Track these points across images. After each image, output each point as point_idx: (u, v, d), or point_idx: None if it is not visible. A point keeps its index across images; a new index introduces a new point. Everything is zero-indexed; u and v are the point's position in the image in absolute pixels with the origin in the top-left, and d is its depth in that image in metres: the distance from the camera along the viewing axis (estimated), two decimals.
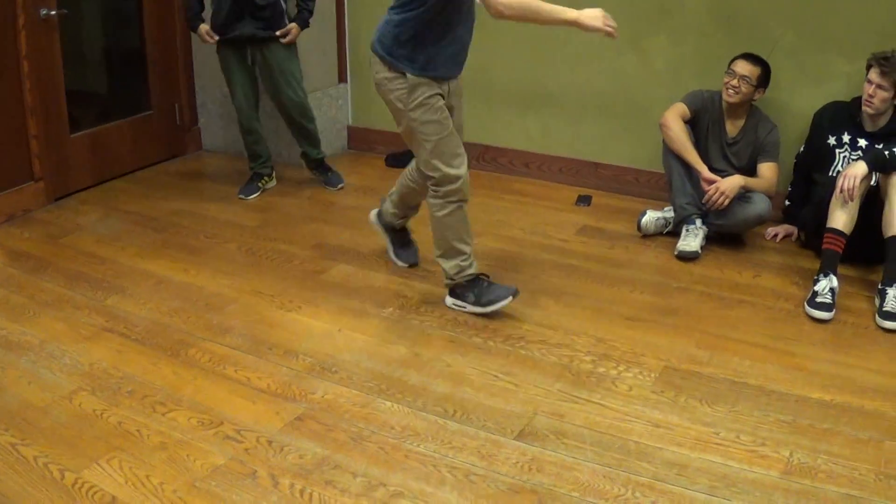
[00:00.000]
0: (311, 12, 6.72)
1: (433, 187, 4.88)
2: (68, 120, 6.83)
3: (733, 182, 5.71)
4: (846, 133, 5.72)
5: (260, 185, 7.04)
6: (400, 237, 5.68)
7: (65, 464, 3.70)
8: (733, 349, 4.62)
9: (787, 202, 6.12)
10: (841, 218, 5.19)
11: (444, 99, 4.79)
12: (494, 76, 7.23)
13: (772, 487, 3.56)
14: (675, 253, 5.75)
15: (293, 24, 6.59)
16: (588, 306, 5.08)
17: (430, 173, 4.84)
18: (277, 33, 6.51)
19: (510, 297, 4.91)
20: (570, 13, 4.52)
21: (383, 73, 4.75)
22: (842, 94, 5.94)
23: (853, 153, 5.66)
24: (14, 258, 5.81)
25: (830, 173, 5.69)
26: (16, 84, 6.34)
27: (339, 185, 7.13)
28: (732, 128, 5.98)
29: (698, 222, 5.84)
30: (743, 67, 5.78)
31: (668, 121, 5.90)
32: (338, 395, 4.21)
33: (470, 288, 4.98)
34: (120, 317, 5.01)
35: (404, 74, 4.67)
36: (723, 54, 6.02)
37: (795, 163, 6.08)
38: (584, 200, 6.72)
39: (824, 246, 5.22)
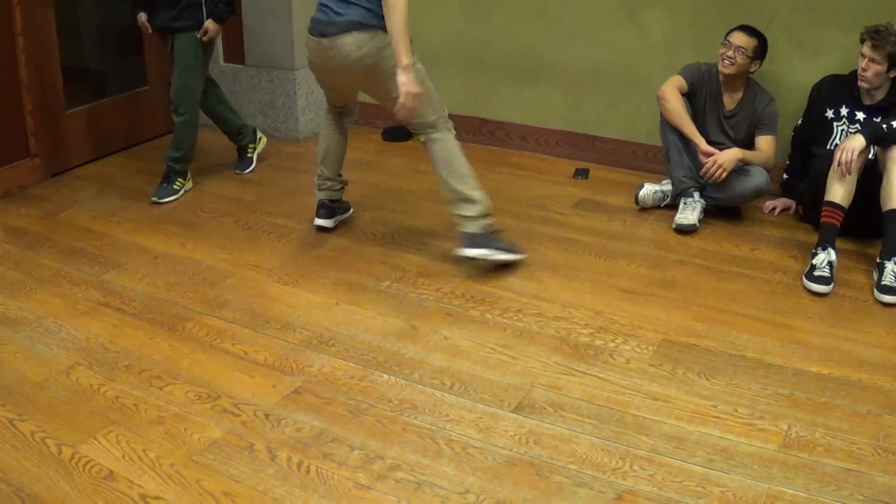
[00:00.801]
0: (229, 6, 6.40)
1: (435, 128, 5.23)
2: (64, 96, 6.80)
3: (731, 155, 5.69)
4: (844, 106, 5.71)
5: (249, 153, 7.04)
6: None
7: (62, 438, 3.71)
8: (731, 322, 4.61)
9: (784, 175, 6.11)
10: (839, 191, 5.18)
11: None
12: (491, 49, 7.21)
13: (770, 461, 3.56)
14: (673, 226, 5.74)
15: (209, 21, 6.27)
16: (586, 279, 5.08)
17: (435, 117, 5.19)
18: (198, 35, 6.25)
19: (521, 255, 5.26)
20: (408, 56, 4.74)
21: (373, 43, 4.90)
22: (839, 67, 5.92)
23: (851, 126, 5.65)
24: (11, 234, 5.81)
25: (828, 146, 5.68)
26: (11, 60, 6.32)
27: (165, 199, 6.46)
28: (730, 100, 5.97)
29: (696, 195, 5.84)
30: (739, 38, 5.76)
31: (666, 93, 5.89)
32: (335, 368, 4.22)
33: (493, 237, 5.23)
34: (117, 292, 5.01)
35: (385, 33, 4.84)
36: (719, 27, 5.99)
37: (793, 136, 6.06)
38: (582, 173, 6.70)
39: (822, 219, 5.21)
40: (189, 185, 6.54)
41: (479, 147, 7.30)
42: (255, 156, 7.00)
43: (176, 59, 6.31)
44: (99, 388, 4.06)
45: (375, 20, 4.80)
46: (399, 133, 7.55)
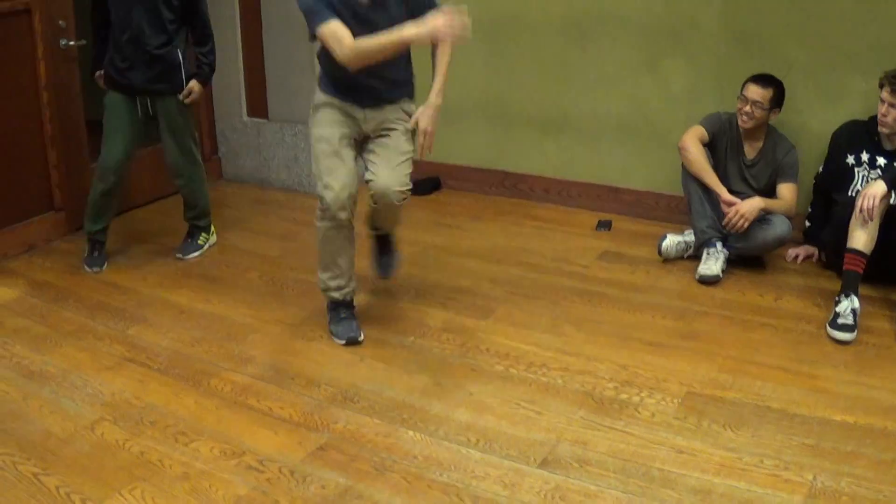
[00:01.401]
0: (212, 67, 6.28)
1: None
2: (88, 150, 6.83)
3: (753, 204, 5.70)
4: (864, 152, 5.71)
5: (200, 241, 6.61)
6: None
7: (87, 494, 3.71)
8: (756, 373, 4.59)
9: (807, 223, 6.11)
10: (861, 238, 5.17)
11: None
12: (514, 102, 7.25)
13: None
14: (697, 277, 5.73)
15: (193, 83, 6.12)
16: (610, 332, 5.07)
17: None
18: (180, 96, 6.08)
19: (342, 342, 5.04)
20: (408, 30, 4.63)
21: None
22: (859, 112, 5.92)
23: (872, 172, 5.65)
24: (36, 288, 5.84)
25: (850, 193, 5.67)
26: (35, 114, 6.38)
27: (190, 255, 6.48)
28: (750, 149, 5.97)
29: (719, 245, 5.83)
30: (754, 92, 5.77)
31: (687, 144, 5.90)
32: (360, 425, 4.21)
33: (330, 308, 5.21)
34: (142, 347, 5.03)
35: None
36: (739, 75, 6.00)
37: (815, 183, 6.06)
38: (605, 225, 6.71)
39: (845, 266, 5.20)
40: (213, 238, 6.57)
41: (502, 200, 7.33)
42: (206, 246, 6.62)
43: (164, 124, 6.15)
44: (124, 444, 4.06)
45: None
46: (423, 186, 7.58)
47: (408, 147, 5.03)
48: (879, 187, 5.13)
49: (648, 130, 6.74)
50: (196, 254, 6.38)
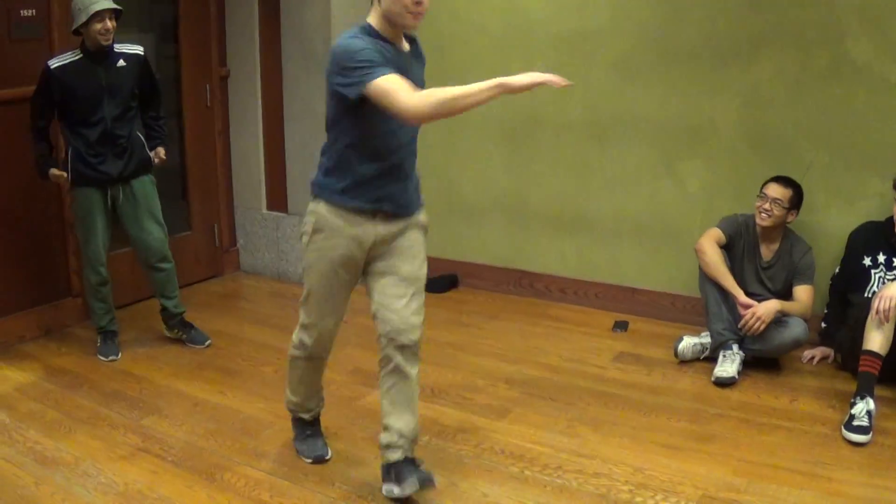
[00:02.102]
0: (163, 127, 6.35)
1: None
2: None
3: (769, 307, 5.70)
4: (881, 253, 5.72)
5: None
6: None
7: None
8: (771, 476, 4.56)
9: (823, 324, 6.10)
10: (877, 339, 5.17)
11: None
12: (531, 200, 7.29)
13: None
14: (713, 379, 5.72)
15: (159, 149, 6.22)
16: (625, 434, 5.04)
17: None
18: (155, 161, 6.19)
19: (309, 461, 4.78)
20: (493, 81, 4.03)
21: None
22: (876, 213, 5.95)
23: (889, 273, 5.66)
24: (51, 373, 5.87)
25: (866, 294, 5.68)
26: (56, 201, 6.47)
27: (207, 343, 6.56)
28: (767, 251, 5.99)
29: (735, 347, 5.82)
30: (775, 190, 5.81)
31: (704, 246, 5.92)
32: None
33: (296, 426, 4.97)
34: (156, 437, 5.03)
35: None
36: (756, 177, 6.05)
37: (831, 284, 6.07)
38: (621, 326, 6.71)
39: (861, 368, 5.19)
40: None
41: (518, 299, 7.36)
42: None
43: (143, 208, 6.13)
44: None
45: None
46: (440, 283, 7.60)
47: (425, 271, 4.59)
48: (895, 289, 5.14)
49: (665, 231, 6.76)
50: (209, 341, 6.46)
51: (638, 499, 4.36)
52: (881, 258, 5.74)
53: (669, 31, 6.49)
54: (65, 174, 5.93)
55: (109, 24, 5.72)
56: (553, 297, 7.35)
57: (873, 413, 5.04)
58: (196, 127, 7.70)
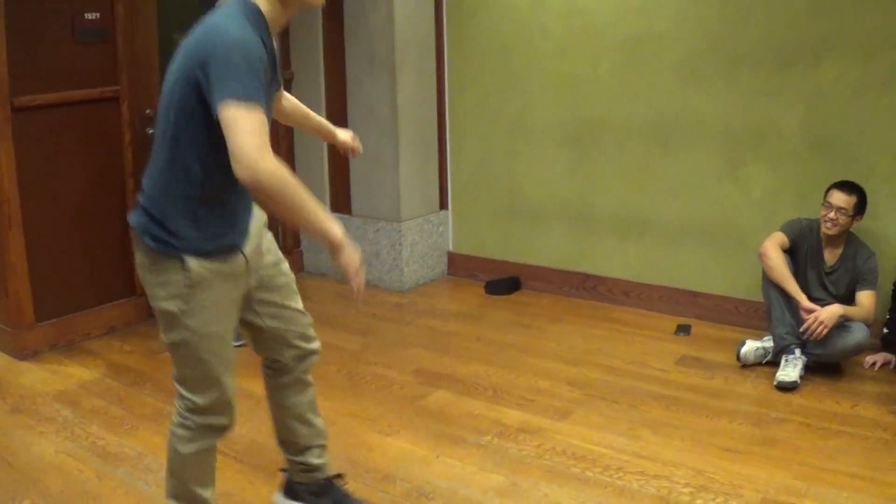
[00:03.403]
0: None
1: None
2: None
3: (832, 311, 5.68)
4: None
5: None
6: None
7: None
8: (831, 480, 4.54)
9: (885, 330, 6.07)
10: None
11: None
12: (595, 204, 7.31)
13: None
14: (775, 383, 5.70)
15: None
16: (687, 437, 5.04)
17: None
18: None
19: None
20: (335, 230, 3.47)
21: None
22: None
23: None
24: (114, 370, 5.96)
25: None
26: (120, 200, 6.57)
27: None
28: (831, 256, 5.97)
29: (797, 352, 5.81)
30: (839, 199, 5.78)
31: (768, 250, 5.91)
32: None
33: None
34: None
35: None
36: (820, 181, 6.02)
37: (893, 290, 6.03)
38: (684, 330, 6.71)
39: None
40: None
41: (581, 302, 7.37)
42: None
43: None
44: None
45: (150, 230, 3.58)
46: (502, 286, 7.63)
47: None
48: None
49: (729, 235, 6.75)
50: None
51: (698, 501, 4.36)
52: None
53: (733, 34, 6.48)
54: None
55: None
56: (616, 300, 7.36)
57: None
58: None
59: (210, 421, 3.68)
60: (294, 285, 4.08)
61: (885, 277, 6.00)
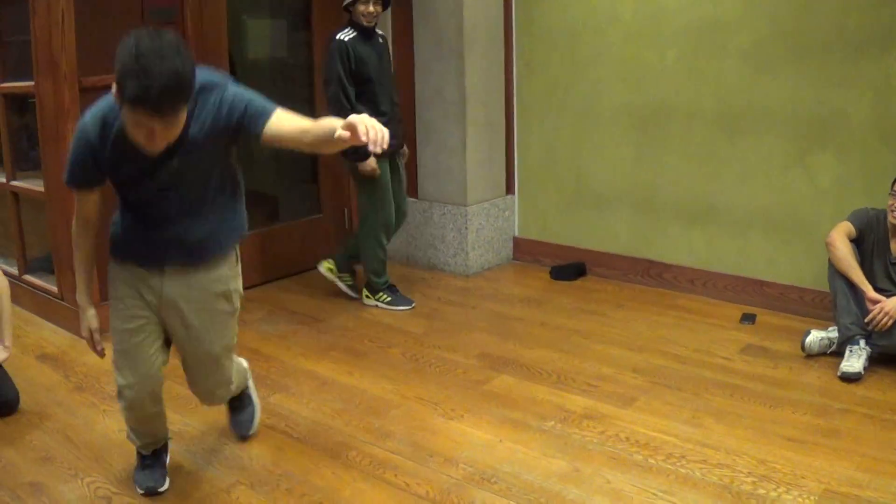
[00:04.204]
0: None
1: None
2: None
3: None
4: None
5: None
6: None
7: None
8: (894, 473, 4.52)
9: None
10: None
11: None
12: (660, 191, 7.30)
13: None
14: (839, 374, 5.68)
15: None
16: (750, 426, 5.03)
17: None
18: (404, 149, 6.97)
19: (141, 492, 4.32)
20: (78, 296, 4.02)
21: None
22: None
23: None
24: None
25: None
26: None
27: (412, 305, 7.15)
28: None
29: (862, 343, 5.78)
30: None
31: (835, 240, 5.88)
32: None
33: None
34: (282, 414, 5.14)
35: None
36: (888, 171, 5.97)
37: None
38: (749, 318, 6.69)
39: None
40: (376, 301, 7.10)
41: (646, 289, 7.37)
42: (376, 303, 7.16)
43: (404, 179, 7.08)
44: None
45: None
46: (568, 271, 7.64)
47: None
48: None
49: (795, 224, 6.72)
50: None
51: (761, 490, 4.36)
52: None
53: (801, 22, 6.44)
54: (378, 169, 6.63)
55: (372, 8, 6.53)
56: (681, 287, 7.35)
57: None
58: (327, 111, 7.78)
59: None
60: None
61: None
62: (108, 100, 3.62)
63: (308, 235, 7.81)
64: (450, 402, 5.32)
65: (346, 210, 8.17)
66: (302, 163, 7.94)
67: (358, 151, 6.31)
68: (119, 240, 3.99)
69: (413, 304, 6.96)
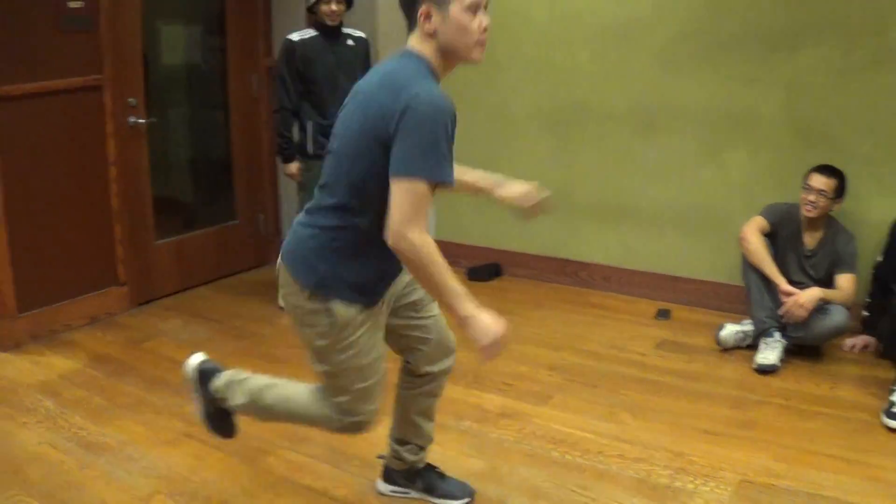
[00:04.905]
0: None
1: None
2: (154, 227, 6.97)
3: (811, 294, 5.71)
4: None
5: None
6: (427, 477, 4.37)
7: None
8: (810, 461, 4.58)
9: (865, 312, 6.10)
10: None
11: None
12: (576, 189, 7.32)
13: None
14: (754, 366, 5.73)
15: None
16: (666, 420, 5.07)
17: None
18: None
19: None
20: (467, 307, 3.37)
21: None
22: None
23: None
24: (96, 360, 5.95)
25: None
26: (103, 189, 6.57)
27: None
28: (810, 240, 5.99)
29: (777, 335, 5.84)
30: (819, 181, 5.80)
31: (747, 234, 5.93)
32: None
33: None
34: (199, 423, 5.09)
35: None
36: (800, 166, 6.04)
37: (874, 273, 6.06)
38: (664, 314, 6.74)
39: None
40: None
41: (561, 287, 7.39)
42: None
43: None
44: None
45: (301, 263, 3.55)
46: (484, 272, 7.65)
47: None
48: None
49: (708, 220, 6.77)
50: None
51: (678, 483, 4.39)
52: None
53: (713, 20, 6.50)
54: (298, 175, 6.58)
55: (335, 7, 6.43)
56: (596, 285, 7.38)
57: None
58: (242, 118, 7.78)
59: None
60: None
61: (866, 261, 6.03)
62: (428, 78, 3.32)
63: (224, 242, 7.76)
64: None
65: (260, 215, 8.12)
66: (216, 169, 7.88)
67: (282, 151, 6.48)
68: (361, 261, 3.49)
69: None
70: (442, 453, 4.67)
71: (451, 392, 5.40)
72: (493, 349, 3.37)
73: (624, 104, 6.98)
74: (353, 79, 6.51)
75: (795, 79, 6.29)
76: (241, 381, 4.04)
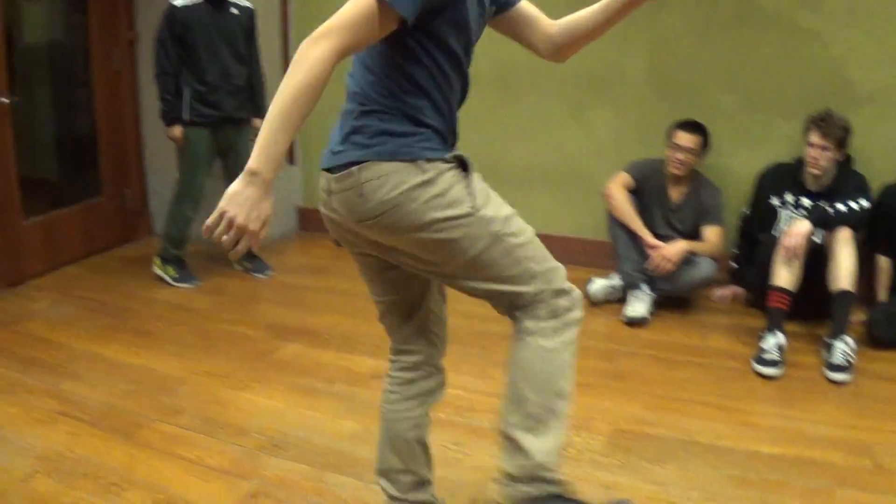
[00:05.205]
0: (263, 93, 6.84)
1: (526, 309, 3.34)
2: (21, 207, 6.83)
3: (677, 247, 5.78)
4: (789, 193, 5.81)
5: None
6: None
7: None
8: (682, 409, 4.65)
9: (733, 263, 6.19)
10: (785, 276, 5.26)
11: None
12: None
13: None
14: (623, 319, 5.80)
15: (256, 119, 6.78)
16: None
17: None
18: (255, 123, 6.73)
19: None
20: (253, 162, 2.85)
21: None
22: (783, 154, 6.05)
23: (797, 212, 5.74)
24: None
25: (774, 232, 5.77)
26: None
27: (268, 273, 7.16)
28: (676, 194, 6.06)
29: (645, 288, 5.90)
30: (685, 139, 5.87)
31: (612, 191, 5.98)
32: (290, 471, 4.20)
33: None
34: (73, 400, 4.99)
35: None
36: (664, 122, 6.11)
37: (740, 225, 6.15)
38: None
39: (770, 304, 5.30)
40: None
41: None
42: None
43: (242, 154, 6.56)
44: (57, 496, 4.02)
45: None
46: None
47: None
48: (804, 226, 5.24)
49: (575, 178, 6.81)
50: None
51: None
52: (789, 198, 5.82)
53: None
54: (180, 139, 6.59)
55: None
56: None
57: (784, 347, 5.16)
58: (105, 92, 7.63)
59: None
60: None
61: (732, 213, 6.13)
62: None
63: (91, 219, 7.63)
64: (239, 374, 5.25)
65: (127, 191, 8.00)
66: (82, 146, 7.75)
67: (165, 115, 6.48)
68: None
69: (198, 283, 6.84)
70: (315, 417, 4.69)
71: (322, 357, 5.43)
72: (239, 232, 2.74)
73: (487, 67, 6.96)
74: (235, 48, 6.50)
75: (659, 38, 6.35)
76: (512, 426, 3.40)
